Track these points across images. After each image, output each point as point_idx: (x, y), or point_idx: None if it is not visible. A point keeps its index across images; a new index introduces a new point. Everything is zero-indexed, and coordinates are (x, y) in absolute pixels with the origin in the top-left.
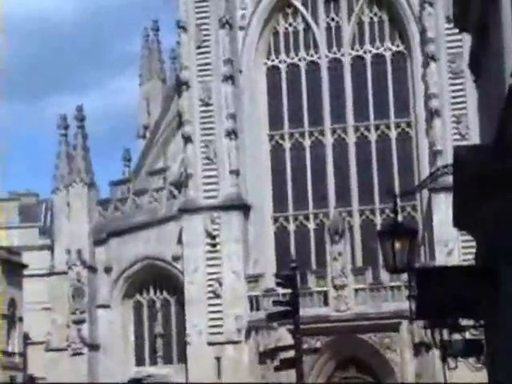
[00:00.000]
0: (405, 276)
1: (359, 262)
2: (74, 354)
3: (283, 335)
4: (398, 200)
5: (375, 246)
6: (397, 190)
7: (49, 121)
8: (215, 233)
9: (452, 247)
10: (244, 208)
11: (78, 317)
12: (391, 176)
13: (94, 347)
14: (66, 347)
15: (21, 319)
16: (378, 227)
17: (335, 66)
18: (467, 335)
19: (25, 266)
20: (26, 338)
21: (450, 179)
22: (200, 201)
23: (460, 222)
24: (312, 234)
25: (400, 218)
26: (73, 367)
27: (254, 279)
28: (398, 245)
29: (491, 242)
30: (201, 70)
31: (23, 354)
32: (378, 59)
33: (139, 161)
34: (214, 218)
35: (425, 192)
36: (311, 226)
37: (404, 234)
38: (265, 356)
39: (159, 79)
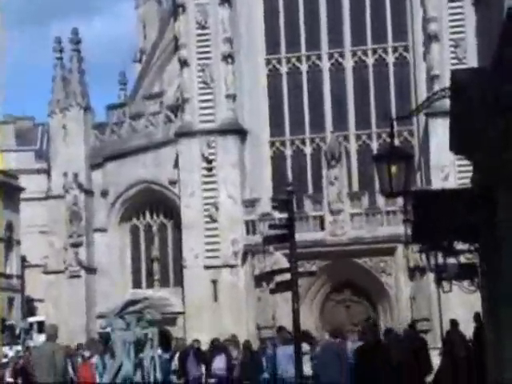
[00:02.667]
0: (401, 201)
1: (355, 187)
2: (72, 277)
3: (279, 259)
4: (395, 124)
5: (371, 170)
6: (394, 114)
7: (49, 46)
8: (211, 157)
9: (448, 172)
10: (240, 132)
11: (75, 240)
12: (388, 101)
13: (91, 270)
14: (63, 270)
15: (18, 242)
16: (375, 152)
17: None
18: (462, 259)
19: (22, 190)
20: (23, 260)
21: (447, 104)
22: (196, 125)
23: (457, 146)
24: (308, 158)
25: (396, 142)
26: (70, 289)
27: (250, 204)
28: (394, 169)
29: (489, 165)
30: None
31: (21, 277)
32: None
33: (135, 85)
34: (211, 142)
35: (422, 117)
36: (308, 150)
37: (400, 158)
38: (261, 279)
39: (155, 1)
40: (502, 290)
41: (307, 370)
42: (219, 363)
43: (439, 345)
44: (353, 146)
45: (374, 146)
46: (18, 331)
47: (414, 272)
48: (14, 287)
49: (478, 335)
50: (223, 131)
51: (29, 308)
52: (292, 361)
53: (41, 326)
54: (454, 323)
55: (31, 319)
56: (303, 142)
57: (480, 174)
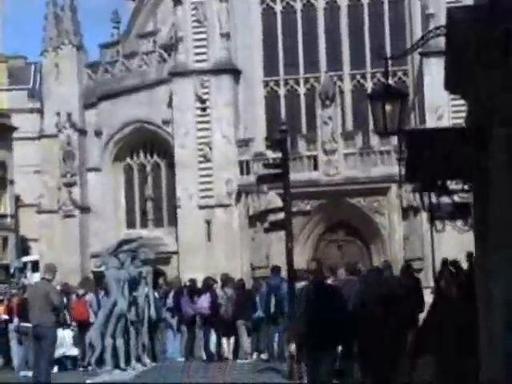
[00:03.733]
0: (395, 141)
1: (349, 127)
2: (66, 216)
3: (273, 198)
4: (389, 63)
5: (365, 110)
6: (388, 53)
7: None
8: (205, 97)
9: (442, 112)
10: (234, 72)
11: (69, 180)
12: (383, 40)
13: (85, 210)
14: (57, 209)
15: (12, 182)
16: (369, 92)
17: None
18: (455, 198)
19: (15, 129)
20: (17, 200)
21: (441, 43)
22: (190, 64)
23: (452, 84)
24: (302, 98)
25: (391, 82)
26: (64, 229)
27: (244, 143)
28: (388, 107)
29: (484, 103)
30: None
31: (15, 216)
32: None
33: (129, 23)
34: (204, 81)
35: (416, 57)
36: (302, 90)
37: (395, 97)
38: (254, 219)
39: None
40: (491, 230)
41: None
42: (202, 301)
43: (431, 283)
44: (347, 86)
45: (369, 85)
46: (12, 270)
47: (408, 212)
48: (8, 227)
49: (469, 275)
50: (217, 71)
51: (23, 247)
52: None
53: (35, 265)
54: (445, 262)
55: (25, 258)
56: (297, 82)
57: (474, 113)
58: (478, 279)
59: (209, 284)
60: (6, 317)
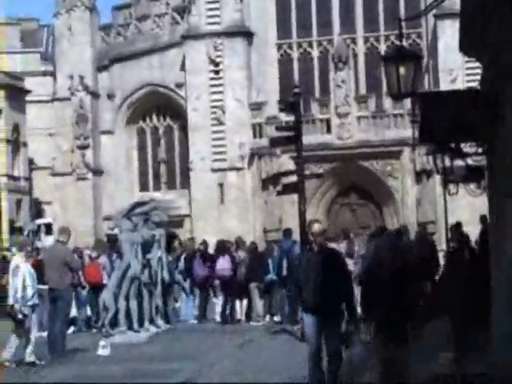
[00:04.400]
0: (408, 104)
1: (363, 90)
2: (79, 179)
3: (285, 162)
4: (404, 25)
5: (379, 73)
6: (402, 15)
7: None
8: (218, 60)
9: (456, 75)
10: (247, 34)
11: (82, 142)
12: (397, 2)
13: (98, 172)
14: (70, 172)
15: (25, 144)
16: (383, 54)
17: None
18: (469, 161)
19: (28, 92)
20: (30, 163)
21: (456, 5)
22: (203, 27)
23: (466, 47)
24: (316, 61)
25: (405, 44)
26: (77, 192)
27: (257, 107)
28: (402, 70)
29: (498, 65)
30: None
31: (28, 179)
32: None
33: None
34: (217, 44)
35: (430, 19)
36: (315, 53)
37: (409, 59)
38: (267, 182)
39: None
40: (507, 188)
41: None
42: (223, 264)
43: (444, 247)
44: (360, 49)
45: (382, 48)
46: (26, 233)
47: (421, 175)
48: (22, 189)
49: (483, 237)
50: (230, 33)
51: (37, 210)
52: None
53: (49, 228)
54: (458, 225)
55: (39, 221)
56: (310, 45)
57: (488, 75)
58: (492, 241)
59: (226, 247)
60: None
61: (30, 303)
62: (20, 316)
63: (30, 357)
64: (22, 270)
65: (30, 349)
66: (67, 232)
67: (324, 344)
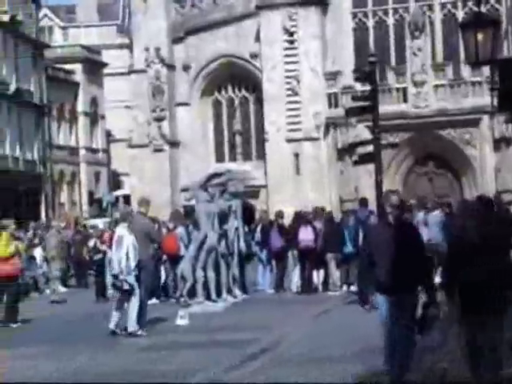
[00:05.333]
0: (486, 71)
1: (440, 58)
2: (156, 151)
3: (361, 131)
4: None
5: (456, 40)
6: None
7: None
8: (293, 29)
9: None
10: (322, 4)
11: (159, 114)
12: None
13: (174, 144)
14: (147, 144)
15: (103, 117)
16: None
17: None
18: None
19: (105, 65)
20: (108, 135)
21: None
22: None
23: None
24: (391, 29)
25: (483, 10)
26: (154, 163)
27: (332, 76)
28: (480, 36)
29: None
30: None
31: (106, 151)
32: None
33: None
34: (292, 14)
35: None
36: (390, 21)
37: (487, 24)
38: (343, 152)
39: None
40: None
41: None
42: (306, 234)
43: None
44: (437, 16)
45: (460, 14)
46: (104, 204)
47: (500, 143)
48: (100, 161)
49: None
50: (305, 3)
51: (114, 182)
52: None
53: (127, 200)
54: None
55: (117, 193)
56: (386, 13)
57: None
58: None
59: (307, 217)
60: (104, 249)
61: (133, 273)
62: (126, 287)
63: (132, 327)
64: (125, 241)
65: (132, 319)
66: (147, 203)
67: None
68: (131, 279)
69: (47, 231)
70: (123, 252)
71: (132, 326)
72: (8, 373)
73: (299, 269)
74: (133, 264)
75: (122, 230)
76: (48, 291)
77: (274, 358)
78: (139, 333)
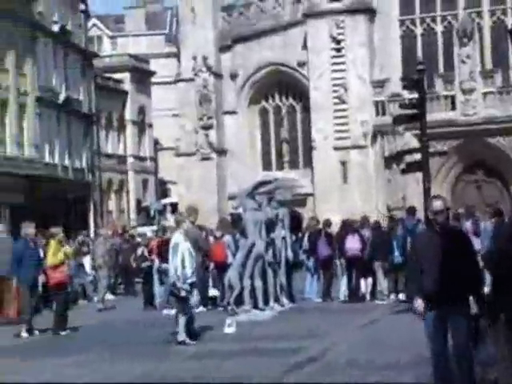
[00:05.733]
0: None
1: (488, 65)
2: (203, 159)
3: (409, 139)
4: None
5: (506, 47)
6: None
7: None
8: (340, 37)
9: None
10: (369, 11)
11: (206, 122)
12: None
13: (221, 152)
14: (194, 152)
15: (150, 125)
16: (510, 27)
17: None
18: None
19: (153, 73)
20: (156, 143)
21: None
22: (325, 5)
23: None
24: (439, 36)
25: None
26: (201, 171)
27: (379, 84)
28: None
29: None
30: None
31: (154, 159)
32: None
33: None
34: (339, 22)
35: None
36: (439, 28)
37: None
38: (390, 160)
39: None
40: None
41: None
42: (353, 243)
43: None
44: (486, 23)
45: (509, 21)
46: (152, 212)
47: None
48: (148, 170)
49: None
50: (352, 10)
51: (162, 190)
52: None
53: (174, 208)
54: None
55: (165, 201)
56: (434, 20)
57: None
58: None
59: (354, 226)
60: (152, 257)
61: (189, 281)
62: (183, 294)
63: (181, 336)
64: (181, 248)
65: (181, 328)
66: (195, 212)
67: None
68: (187, 287)
69: (96, 239)
70: (178, 259)
71: (181, 334)
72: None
73: (346, 277)
74: (189, 271)
75: (177, 236)
76: (96, 299)
77: (321, 366)
78: (187, 341)
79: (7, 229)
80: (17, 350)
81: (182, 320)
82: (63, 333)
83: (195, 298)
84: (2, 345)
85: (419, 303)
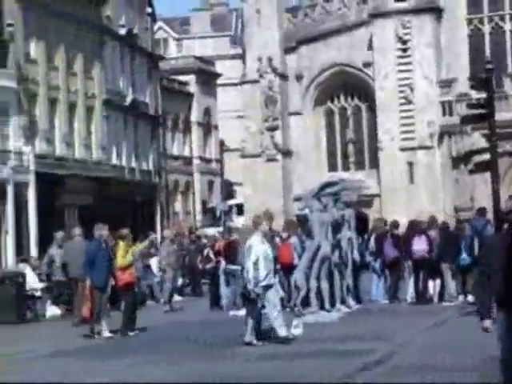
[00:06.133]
0: None
1: None
2: (268, 160)
3: (477, 139)
4: None
5: None
6: None
7: None
8: (406, 37)
9: None
10: (436, 11)
11: (271, 124)
12: None
13: (287, 153)
14: (260, 154)
15: (216, 127)
16: None
17: None
18: None
19: (218, 75)
20: (221, 145)
21: None
22: (390, 5)
23: None
24: (508, 35)
25: None
26: (267, 173)
27: (446, 84)
28: None
29: None
30: None
31: (220, 161)
32: None
33: None
34: (405, 22)
35: None
36: (507, 27)
37: None
38: (458, 161)
39: None
40: None
41: None
42: (420, 244)
43: None
44: None
45: None
46: (218, 213)
47: None
48: (214, 171)
49: None
50: (418, 10)
51: (227, 191)
52: None
53: (240, 209)
54: None
55: (230, 202)
56: (502, 19)
57: None
58: None
59: (421, 227)
60: (213, 257)
61: (262, 283)
62: (253, 295)
63: (248, 337)
64: (255, 250)
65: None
66: (270, 217)
67: None
68: (259, 289)
69: (162, 241)
70: (251, 262)
71: (249, 335)
72: (124, 381)
73: (414, 279)
74: (262, 274)
75: (254, 239)
76: (162, 300)
77: (388, 368)
78: (254, 342)
79: (81, 232)
80: (86, 351)
81: (250, 321)
82: (131, 333)
83: (277, 298)
84: (74, 345)
85: (487, 324)
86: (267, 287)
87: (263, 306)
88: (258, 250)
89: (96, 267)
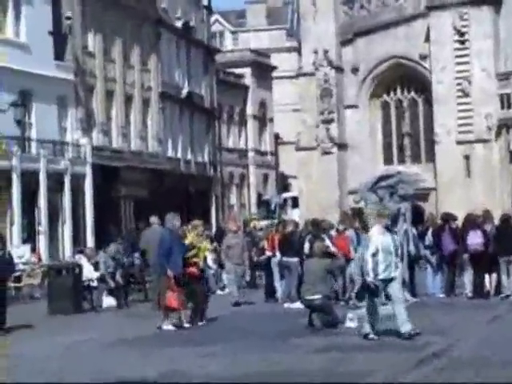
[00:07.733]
0: None
1: None
2: (324, 153)
3: None
4: None
5: None
6: None
7: None
8: (464, 29)
9: None
10: (495, 2)
11: (327, 117)
12: None
13: (342, 146)
14: (315, 146)
15: (271, 120)
16: None
17: None
18: None
19: (274, 68)
20: (276, 138)
21: None
22: None
23: None
24: None
25: None
26: (322, 166)
27: (505, 76)
28: None
29: None
30: None
31: (274, 153)
32: None
33: None
34: (463, 13)
35: None
36: None
37: None
38: None
39: None
40: None
41: None
42: (475, 238)
43: None
44: None
45: None
46: (273, 206)
47: None
48: (269, 164)
49: None
50: (476, 2)
51: (282, 184)
52: None
53: (295, 202)
54: None
55: (285, 195)
56: None
57: None
58: None
59: (476, 221)
60: (269, 253)
61: (380, 277)
62: (372, 287)
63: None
64: (372, 242)
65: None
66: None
67: None
68: (378, 282)
69: (218, 233)
70: (369, 253)
71: (365, 327)
72: (182, 371)
73: (471, 273)
74: (381, 267)
75: (375, 229)
76: (219, 292)
77: (446, 361)
78: (371, 336)
79: (157, 221)
80: (154, 340)
81: (367, 314)
82: (200, 323)
83: (401, 292)
84: (133, 334)
85: None
86: (386, 281)
87: (388, 298)
88: (377, 241)
89: (172, 257)
